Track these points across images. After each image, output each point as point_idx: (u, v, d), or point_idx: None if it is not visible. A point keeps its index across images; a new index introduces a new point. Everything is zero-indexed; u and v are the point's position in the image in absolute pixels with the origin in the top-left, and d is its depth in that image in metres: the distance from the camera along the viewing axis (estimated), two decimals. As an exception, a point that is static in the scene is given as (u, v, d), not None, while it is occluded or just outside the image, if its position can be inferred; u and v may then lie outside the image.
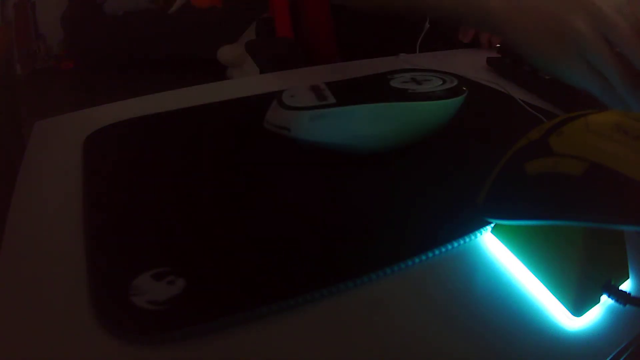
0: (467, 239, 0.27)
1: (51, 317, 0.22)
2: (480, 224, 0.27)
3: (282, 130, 0.33)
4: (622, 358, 0.21)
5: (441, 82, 0.36)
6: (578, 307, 0.22)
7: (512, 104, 0.46)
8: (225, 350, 0.20)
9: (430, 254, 0.25)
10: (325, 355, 0.20)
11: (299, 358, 0.20)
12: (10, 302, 0.23)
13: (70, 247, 0.26)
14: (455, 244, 0.26)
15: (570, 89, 0.45)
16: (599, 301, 0.22)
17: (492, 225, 0.27)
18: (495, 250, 0.26)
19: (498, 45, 0.64)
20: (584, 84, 0.35)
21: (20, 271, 0.25)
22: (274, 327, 0.21)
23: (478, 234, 0.27)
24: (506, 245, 0.26)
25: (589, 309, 0.22)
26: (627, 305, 0.21)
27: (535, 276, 0.24)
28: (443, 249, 0.26)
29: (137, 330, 0.20)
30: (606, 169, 0.19)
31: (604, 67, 0.34)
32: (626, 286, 0.23)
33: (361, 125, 0.32)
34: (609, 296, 0.22)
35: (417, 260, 0.25)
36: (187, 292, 0.22)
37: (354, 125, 0.32)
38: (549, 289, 0.23)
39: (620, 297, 0.21)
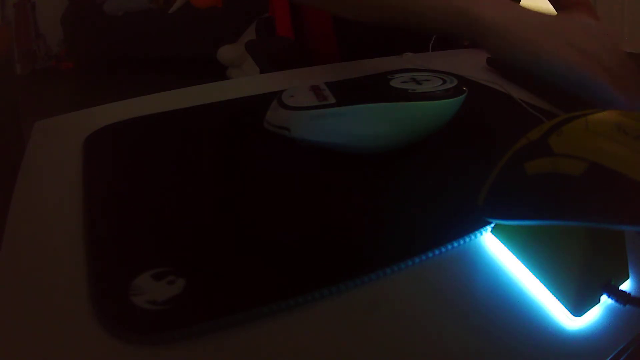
0: (467, 239, 0.27)
1: (51, 317, 0.22)
2: (480, 224, 0.27)
3: (282, 131, 0.33)
4: (622, 358, 0.21)
5: (441, 82, 0.36)
6: (578, 307, 0.22)
7: (512, 104, 0.46)
8: (225, 350, 0.20)
9: (430, 254, 0.25)
10: (326, 354, 0.20)
11: (299, 358, 0.20)
12: (11, 302, 0.23)
13: (71, 247, 0.26)
14: (455, 244, 0.26)
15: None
16: (599, 301, 0.22)
17: (492, 225, 0.27)
18: (495, 250, 0.26)
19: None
20: (571, 75, 0.38)
21: (20, 271, 0.25)
22: (274, 327, 0.21)
23: (478, 234, 0.27)
24: (506, 245, 0.26)
25: (589, 309, 0.22)
26: (627, 305, 0.21)
27: (535, 276, 0.24)
28: (443, 249, 0.26)
29: (137, 330, 0.20)
30: (606, 169, 0.19)
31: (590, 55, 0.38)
32: (626, 286, 0.23)
33: (361, 125, 0.32)
34: (609, 296, 0.22)
35: (416, 260, 0.25)
36: (187, 292, 0.22)
37: (354, 125, 0.32)
38: (549, 289, 0.23)
39: (620, 297, 0.21)
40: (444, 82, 0.36)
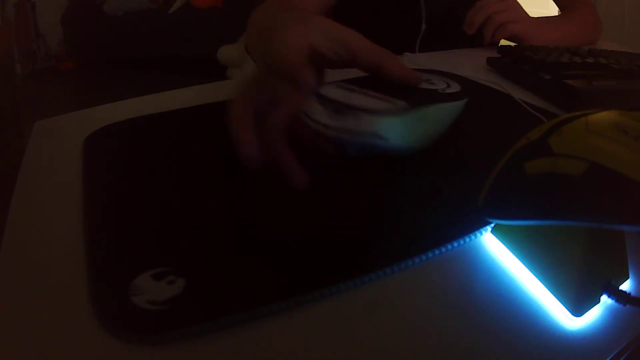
0: (467, 239, 0.26)
1: (51, 317, 0.22)
2: (480, 224, 0.27)
3: (369, 138, 0.29)
4: (622, 358, 0.21)
5: (445, 86, 0.35)
6: (578, 307, 0.21)
7: (512, 104, 0.46)
8: (225, 350, 0.20)
9: (430, 254, 0.25)
10: (326, 354, 0.20)
11: (299, 358, 0.20)
12: (11, 302, 0.23)
13: (70, 247, 0.26)
14: (455, 244, 0.26)
15: (570, 88, 0.45)
16: (599, 301, 0.22)
17: (492, 225, 0.27)
18: (495, 250, 0.26)
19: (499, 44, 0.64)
20: None
21: (20, 271, 0.25)
22: (274, 327, 0.21)
23: (478, 234, 0.27)
24: (506, 245, 0.26)
25: (589, 309, 0.22)
26: (627, 305, 0.21)
27: (535, 276, 0.24)
28: (443, 249, 0.26)
29: (137, 330, 0.20)
30: (606, 169, 0.19)
31: None
32: (626, 286, 0.23)
33: (432, 126, 0.33)
34: (609, 296, 0.22)
35: (416, 260, 0.25)
36: (187, 292, 0.22)
37: (426, 126, 0.32)
38: (549, 289, 0.23)
39: (620, 297, 0.21)
40: (448, 85, 0.36)
